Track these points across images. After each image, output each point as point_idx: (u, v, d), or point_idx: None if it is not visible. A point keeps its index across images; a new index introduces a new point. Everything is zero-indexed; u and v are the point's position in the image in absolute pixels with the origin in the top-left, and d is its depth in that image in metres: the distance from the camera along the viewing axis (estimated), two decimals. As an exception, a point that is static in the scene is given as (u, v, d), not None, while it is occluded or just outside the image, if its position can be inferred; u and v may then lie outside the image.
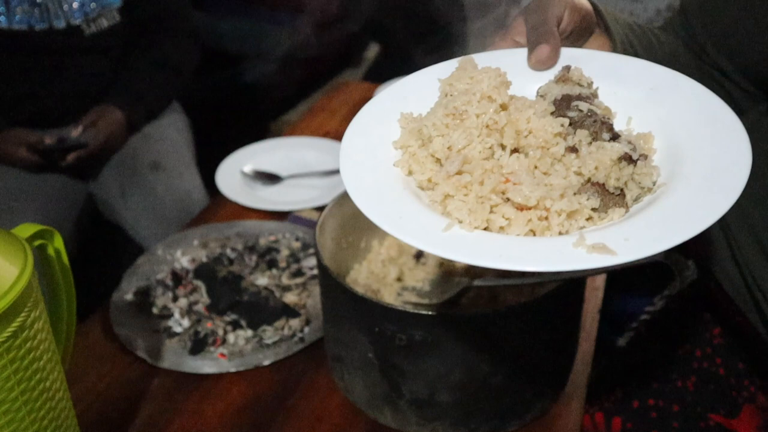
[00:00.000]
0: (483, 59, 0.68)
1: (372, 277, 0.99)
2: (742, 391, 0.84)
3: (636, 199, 0.59)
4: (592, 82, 0.66)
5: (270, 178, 1.41)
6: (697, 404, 0.83)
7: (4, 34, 1.54)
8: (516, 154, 0.59)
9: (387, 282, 0.99)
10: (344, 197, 0.95)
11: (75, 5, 1.57)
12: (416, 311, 0.77)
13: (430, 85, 0.67)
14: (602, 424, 0.86)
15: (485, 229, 0.56)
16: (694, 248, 0.86)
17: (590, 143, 0.59)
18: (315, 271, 1.11)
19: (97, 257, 1.72)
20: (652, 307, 0.96)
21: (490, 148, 0.59)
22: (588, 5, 0.72)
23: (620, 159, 0.58)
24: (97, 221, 1.70)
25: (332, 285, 0.82)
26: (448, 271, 1.02)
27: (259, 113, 2.99)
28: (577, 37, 0.72)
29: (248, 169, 1.43)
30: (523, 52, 0.69)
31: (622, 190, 0.58)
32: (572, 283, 0.81)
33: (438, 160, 0.61)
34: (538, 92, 0.66)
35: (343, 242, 0.98)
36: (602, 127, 0.60)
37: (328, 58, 3.53)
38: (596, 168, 0.57)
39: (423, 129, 0.62)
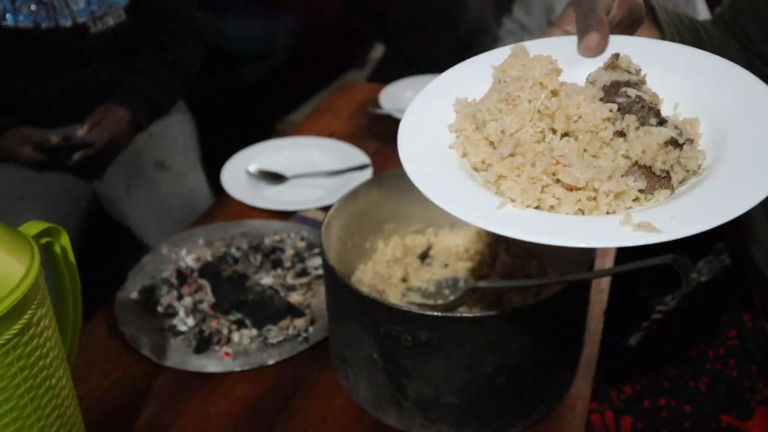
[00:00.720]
0: (534, 47, 0.71)
1: (377, 277, 0.99)
2: (756, 393, 0.84)
3: (682, 182, 0.60)
4: (640, 69, 0.67)
5: (275, 178, 1.41)
6: (709, 405, 0.83)
7: (10, 32, 1.55)
8: (566, 138, 0.62)
9: (392, 282, 0.99)
10: (349, 197, 0.95)
11: (81, 4, 1.58)
12: (421, 312, 0.77)
13: (484, 72, 0.69)
14: (612, 423, 0.85)
15: (536, 208, 0.58)
16: (732, 233, 0.86)
17: (638, 128, 0.61)
18: (320, 271, 1.11)
19: (102, 256, 1.73)
20: (665, 306, 0.95)
21: (541, 132, 0.62)
22: None
23: (666, 143, 0.60)
24: (103, 220, 1.70)
25: (337, 285, 0.82)
26: (453, 272, 1.02)
27: (264, 113, 3.00)
28: (627, 27, 0.73)
29: (253, 168, 1.43)
30: (574, 40, 0.70)
31: (668, 172, 0.60)
32: (577, 285, 0.81)
33: (492, 143, 0.63)
34: (587, 79, 0.67)
35: (348, 242, 0.98)
36: (649, 113, 0.62)
37: (334, 58, 3.54)
38: (643, 152, 0.59)
39: (477, 113, 0.64)
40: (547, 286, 0.92)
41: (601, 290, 1.08)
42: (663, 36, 0.77)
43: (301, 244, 1.17)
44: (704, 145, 0.63)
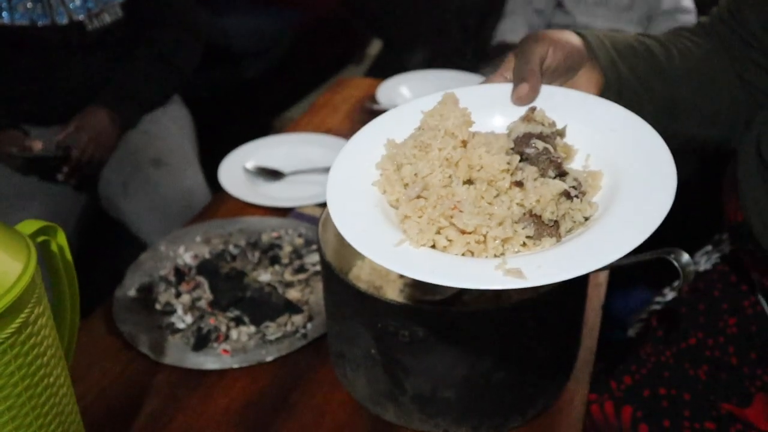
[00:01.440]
0: (472, 93, 0.77)
1: (375, 273, 0.99)
2: (755, 380, 0.84)
3: (570, 231, 0.66)
4: (554, 122, 0.72)
5: (272, 175, 1.41)
6: (708, 393, 0.83)
7: (6, 30, 1.54)
8: (468, 185, 0.67)
9: (390, 278, 0.99)
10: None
11: (77, 1, 1.57)
12: (419, 307, 0.77)
13: (417, 115, 0.74)
14: (612, 413, 0.85)
15: (432, 247, 0.64)
16: (732, 209, 0.86)
17: (536, 179, 0.67)
18: (318, 268, 1.11)
19: (100, 254, 1.72)
20: (663, 297, 0.95)
21: (449, 177, 0.67)
22: (576, 41, 0.78)
23: (560, 195, 0.65)
24: (100, 218, 1.70)
25: (335, 281, 0.82)
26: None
27: (261, 110, 2.99)
28: (564, 71, 0.77)
29: (251, 165, 1.43)
30: (509, 87, 0.76)
31: (556, 222, 0.65)
32: (575, 280, 0.81)
33: (406, 184, 0.69)
34: (507, 128, 0.73)
35: (345, 238, 0.98)
36: (550, 165, 0.68)
37: (331, 54, 3.53)
38: (537, 201, 0.65)
39: (397, 156, 0.70)
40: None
41: (598, 285, 1.08)
42: (604, 77, 0.80)
43: (299, 241, 1.17)
44: (600, 198, 0.68)
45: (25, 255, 0.62)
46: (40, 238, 0.70)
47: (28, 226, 0.68)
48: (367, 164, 0.73)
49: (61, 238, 0.72)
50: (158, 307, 1.05)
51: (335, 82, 1.87)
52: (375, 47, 3.44)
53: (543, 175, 0.67)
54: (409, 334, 0.76)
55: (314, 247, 1.16)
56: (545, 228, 0.65)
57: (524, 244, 0.64)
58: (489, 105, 0.75)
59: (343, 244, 0.97)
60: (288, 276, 1.10)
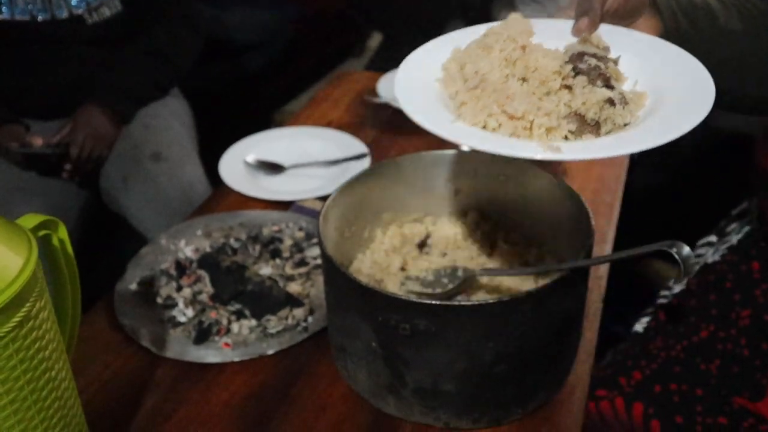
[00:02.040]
0: (536, 24, 0.83)
1: (375, 266, 0.99)
2: None
3: (608, 132, 0.73)
4: (608, 47, 0.80)
5: (273, 168, 1.41)
6: (721, 387, 0.83)
7: (6, 25, 1.54)
8: (523, 82, 0.75)
9: (390, 272, 0.99)
10: (347, 187, 0.95)
11: None
12: (420, 301, 0.77)
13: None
14: (623, 409, 0.85)
15: (483, 128, 0.72)
16: (764, 194, 0.86)
17: (584, 86, 0.74)
18: (318, 261, 1.11)
19: (101, 247, 1.73)
20: (669, 291, 0.95)
21: (506, 75, 0.75)
22: None
23: (605, 101, 0.72)
24: (101, 212, 1.70)
25: (336, 275, 0.82)
26: (451, 260, 1.02)
27: (262, 103, 2.99)
28: (625, 15, 0.82)
29: (251, 158, 1.43)
30: (571, 23, 0.83)
31: (598, 122, 0.72)
32: (575, 273, 0.81)
33: (466, 80, 0.77)
34: (564, 48, 0.80)
35: (346, 232, 0.98)
36: (599, 77, 0.75)
37: (331, 48, 3.52)
38: (583, 104, 0.72)
39: (461, 57, 0.79)
40: (545, 274, 0.92)
41: (599, 277, 1.08)
42: (663, 25, 0.84)
43: (300, 234, 1.18)
44: (642, 113, 0.76)
45: (27, 249, 0.62)
46: (42, 233, 0.70)
47: (30, 221, 0.68)
48: (434, 65, 0.81)
49: (63, 232, 0.72)
50: (159, 300, 1.05)
51: (335, 76, 1.87)
52: (375, 40, 3.43)
53: (592, 84, 0.74)
54: (410, 328, 0.76)
55: (315, 240, 1.16)
56: (587, 126, 0.72)
57: (566, 138, 0.72)
58: (549, 36, 0.81)
59: (343, 237, 0.98)
60: (289, 269, 1.10)
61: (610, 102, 0.72)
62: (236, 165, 1.41)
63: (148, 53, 1.69)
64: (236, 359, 0.95)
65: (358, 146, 1.45)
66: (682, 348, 0.88)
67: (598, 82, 0.74)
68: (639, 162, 1.66)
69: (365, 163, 1.40)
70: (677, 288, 0.96)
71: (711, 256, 0.96)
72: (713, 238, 1.00)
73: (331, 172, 1.39)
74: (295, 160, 1.43)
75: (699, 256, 1.01)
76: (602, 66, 0.75)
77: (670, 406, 0.84)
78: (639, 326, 0.96)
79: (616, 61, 0.80)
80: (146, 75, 1.70)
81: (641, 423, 0.83)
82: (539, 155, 0.66)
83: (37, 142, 1.52)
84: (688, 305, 0.91)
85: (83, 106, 1.60)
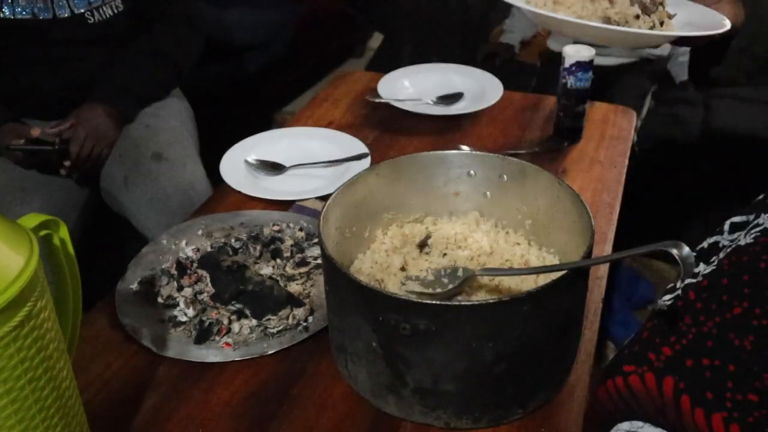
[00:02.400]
0: None
1: (376, 266, 0.99)
2: None
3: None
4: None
5: (274, 168, 1.41)
6: (753, 363, 0.82)
7: (8, 24, 1.54)
8: None
9: (391, 271, 0.99)
10: (348, 187, 0.96)
11: None
12: (420, 301, 0.77)
13: None
14: (653, 384, 0.84)
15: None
16: None
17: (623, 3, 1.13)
18: (319, 261, 1.11)
19: (101, 247, 1.73)
20: (698, 269, 0.94)
21: None
22: None
23: (633, 17, 1.13)
24: (102, 212, 1.70)
25: (336, 274, 0.82)
26: (452, 260, 1.02)
27: (262, 103, 2.99)
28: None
29: (252, 158, 1.43)
30: None
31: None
32: (576, 273, 0.81)
33: None
34: None
35: (347, 232, 0.98)
36: (638, 2, 1.14)
37: (332, 48, 3.53)
38: (616, 13, 1.12)
39: None
40: (545, 274, 0.92)
41: (599, 277, 1.08)
42: (744, 15, 1.14)
43: (300, 234, 1.18)
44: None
45: (28, 249, 0.62)
46: (43, 232, 0.70)
47: (31, 220, 0.68)
48: None
49: (63, 232, 0.72)
50: (160, 300, 1.05)
51: (336, 76, 1.87)
52: (376, 41, 3.43)
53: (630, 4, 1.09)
54: (410, 328, 0.76)
55: (315, 240, 1.16)
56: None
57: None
58: None
59: (344, 237, 0.98)
60: (289, 269, 1.10)
61: (636, 17, 1.04)
62: (237, 165, 1.41)
63: (150, 53, 1.69)
64: (237, 359, 0.96)
65: (358, 146, 1.45)
66: (714, 324, 0.87)
67: (636, 5, 1.04)
68: (638, 161, 1.66)
69: (366, 163, 1.40)
70: (702, 267, 0.95)
71: (744, 238, 0.95)
72: (738, 219, 0.99)
73: (332, 172, 1.39)
74: (296, 160, 1.43)
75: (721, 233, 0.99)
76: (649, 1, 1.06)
77: (701, 381, 0.83)
78: (663, 303, 0.95)
79: (664, 3, 1.13)
80: (149, 75, 1.70)
81: (671, 397, 0.82)
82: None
83: (35, 132, 1.51)
84: (720, 284, 0.90)
85: (86, 104, 1.60)
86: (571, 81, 1.44)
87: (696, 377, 0.83)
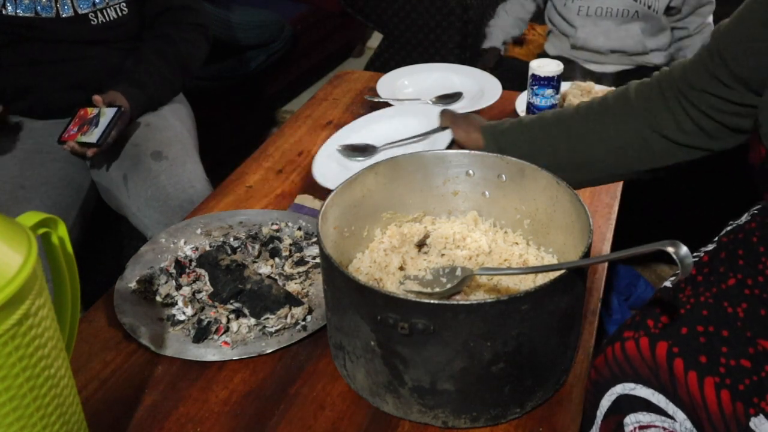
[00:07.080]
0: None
1: (374, 266, 0.99)
2: None
3: None
4: None
5: (364, 151, 1.41)
6: (746, 329, 0.83)
7: (10, 21, 1.54)
8: None
9: (389, 271, 0.99)
10: (346, 186, 0.96)
11: None
12: (418, 300, 0.77)
13: None
14: (647, 348, 0.85)
15: None
16: None
17: None
18: (317, 260, 1.11)
19: (100, 246, 1.73)
20: (698, 252, 0.96)
21: None
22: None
23: None
24: (101, 210, 1.70)
25: (335, 274, 0.82)
26: (450, 260, 1.03)
27: (261, 102, 2.99)
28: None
29: (340, 145, 1.43)
30: None
31: None
32: (574, 272, 0.81)
33: None
34: None
35: (345, 231, 0.98)
36: None
37: (331, 47, 3.53)
38: None
39: None
40: (544, 274, 0.92)
41: (598, 277, 1.08)
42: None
43: (299, 234, 1.18)
44: None
45: (26, 247, 0.62)
46: (41, 230, 0.70)
47: (29, 218, 0.68)
48: None
49: (62, 230, 0.72)
50: (159, 299, 1.05)
51: (336, 75, 1.87)
52: (375, 40, 3.43)
53: None
54: (408, 327, 0.77)
55: (314, 239, 1.16)
56: None
57: None
58: None
59: (342, 236, 0.98)
60: (288, 268, 1.10)
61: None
62: (329, 164, 1.39)
63: (167, 56, 1.69)
64: (235, 358, 0.96)
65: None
66: (711, 294, 0.88)
67: None
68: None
69: (448, 135, 1.36)
70: (707, 249, 0.97)
71: (744, 217, 0.96)
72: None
73: (420, 146, 1.35)
74: (385, 140, 1.41)
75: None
76: None
77: (695, 346, 0.84)
78: (669, 282, 0.96)
79: None
80: (164, 77, 1.69)
81: (665, 361, 0.83)
82: None
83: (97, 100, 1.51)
84: (718, 258, 0.91)
85: (114, 94, 1.59)
86: (535, 100, 1.45)
87: (690, 342, 0.84)
